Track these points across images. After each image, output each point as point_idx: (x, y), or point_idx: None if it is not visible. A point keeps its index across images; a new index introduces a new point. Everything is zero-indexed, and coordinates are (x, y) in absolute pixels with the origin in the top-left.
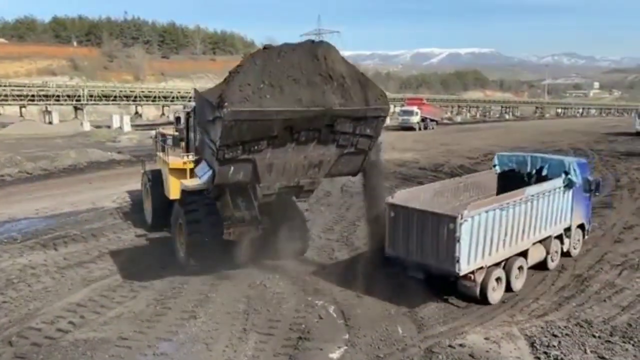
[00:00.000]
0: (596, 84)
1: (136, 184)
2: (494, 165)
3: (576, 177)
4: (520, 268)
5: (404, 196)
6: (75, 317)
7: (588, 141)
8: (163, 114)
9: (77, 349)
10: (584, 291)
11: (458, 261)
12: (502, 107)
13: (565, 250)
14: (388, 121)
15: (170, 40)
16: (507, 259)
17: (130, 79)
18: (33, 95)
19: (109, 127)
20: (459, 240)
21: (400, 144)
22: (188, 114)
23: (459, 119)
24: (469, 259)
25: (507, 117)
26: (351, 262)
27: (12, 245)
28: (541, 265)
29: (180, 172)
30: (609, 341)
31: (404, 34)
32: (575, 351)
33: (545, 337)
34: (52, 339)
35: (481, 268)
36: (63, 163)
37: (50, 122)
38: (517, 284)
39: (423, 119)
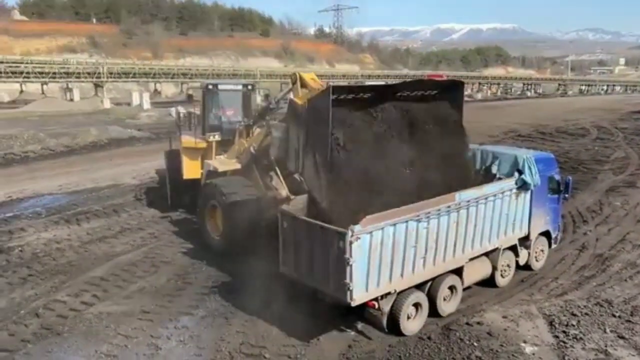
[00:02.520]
0: (622, 60)
1: (156, 161)
2: None
3: (532, 177)
4: (453, 288)
5: (302, 203)
6: (99, 291)
7: (612, 119)
8: (182, 91)
9: (101, 322)
10: (604, 271)
11: (349, 289)
12: (523, 84)
13: (522, 263)
14: None
15: (188, 17)
16: (432, 279)
17: (149, 56)
18: (54, 73)
19: (128, 104)
20: (349, 263)
21: None
22: (203, 92)
23: (479, 96)
24: (367, 284)
25: (528, 94)
26: None
27: (37, 220)
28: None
29: (193, 152)
30: (630, 321)
31: (423, 10)
32: (594, 330)
33: (564, 316)
34: (76, 311)
35: (389, 294)
36: (84, 140)
37: (71, 100)
38: (447, 307)
39: None
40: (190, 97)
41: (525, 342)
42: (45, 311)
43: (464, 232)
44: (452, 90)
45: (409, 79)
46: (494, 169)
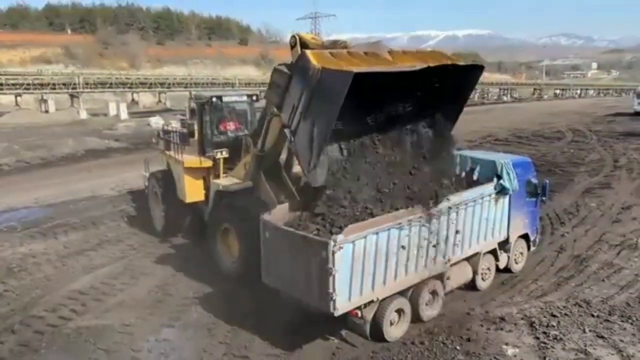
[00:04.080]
0: (594, 65)
1: (135, 172)
2: None
3: (510, 182)
4: (434, 293)
5: (283, 212)
6: (77, 305)
7: (586, 122)
8: (160, 100)
9: (80, 336)
10: (582, 271)
11: (332, 299)
12: (500, 89)
13: (502, 266)
14: None
15: (165, 26)
16: (414, 285)
17: (125, 66)
18: (28, 84)
19: (105, 115)
20: (331, 273)
21: None
22: (202, 105)
23: None
24: (350, 294)
25: (505, 99)
26: None
27: (12, 234)
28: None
29: (196, 172)
30: (608, 320)
31: (400, 17)
32: (574, 331)
33: (545, 317)
34: (54, 327)
35: (372, 302)
36: (61, 151)
37: (46, 111)
38: (429, 312)
39: None
40: (193, 111)
41: (507, 344)
42: (22, 327)
43: (445, 238)
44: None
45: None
46: (474, 175)
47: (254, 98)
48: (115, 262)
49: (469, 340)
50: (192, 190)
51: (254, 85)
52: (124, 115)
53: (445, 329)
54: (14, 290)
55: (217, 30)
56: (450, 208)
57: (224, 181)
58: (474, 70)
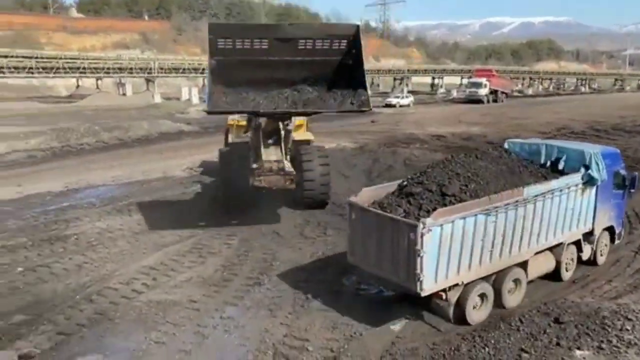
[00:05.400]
0: None
1: (204, 154)
2: None
3: (599, 173)
4: (517, 281)
5: (370, 194)
6: (149, 280)
7: None
8: None
9: (150, 309)
10: None
11: (419, 279)
12: (577, 79)
13: (585, 258)
14: (454, 93)
15: (236, 13)
16: (498, 272)
17: (198, 52)
18: (108, 68)
19: (178, 99)
20: (419, 255)
21: (467, 117)
22: None
23: (530, 91)
24: (437, 276)
25: (582, 89)
26: None
27: (92, 209)
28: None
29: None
30: None
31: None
32: None
33: (618, 320)
34: (127, 299)
35: (456, 285)
36: (136, 133)
37: (124, 94)
38: (512, 299)
39: (492, 91)
40: None
41: (578, 348)
42: (99, 297)
43: (530, 227)
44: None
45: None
46: (560, 164)
47: None
48: (184, 241)
49: (533, 337)
50: None
51: None
52: (195, 99)
53: (511, 325)
54: (93, 262)
55: (286, 17)
56: (536, 196)
57: None
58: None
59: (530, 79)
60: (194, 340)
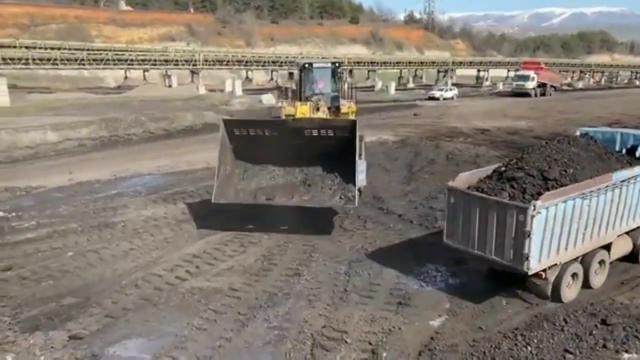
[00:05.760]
0: None
1: None
2: None
3: None
4: (602, 262)
5: (465, 179)
6: (192, 267)
7: None
8: (272, 78)
9: (193, 296)
10: None
11: (527, 259)
12: (631, 72)
13: None
14: (500, 87)
15: (279, 5)
16: (586, 254)
17: (241, 44)
18: (155, 60)
19: (222, 91)
20: (529, 235)
21: (513, 111)
22: (300, 70)
23: (580, 85)
24: (541, 255)
25: (637, 83)
26: None
27: (138, 198)
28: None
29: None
30: None
31: None
32: None
33: None
34: (171, 285)
35: (555, 265)
36: (181, 124)
37: (169, 86)
38: (597, 280)
39: (540, 85)
40: (291, 75)
41: (626, 351)
42: (144, 283)
43: (615, 210)
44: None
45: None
46: (638, 152)
47: (337, 65)
48: (226, 230)
49: (577, 338)
50: None
51: (362, 64)
52: (238, 92)
53: (556, 324)
54: (138, 249)
55: (329, 9)
56: (622, 182)
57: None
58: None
59: (581, 72)
60: (234, 328)
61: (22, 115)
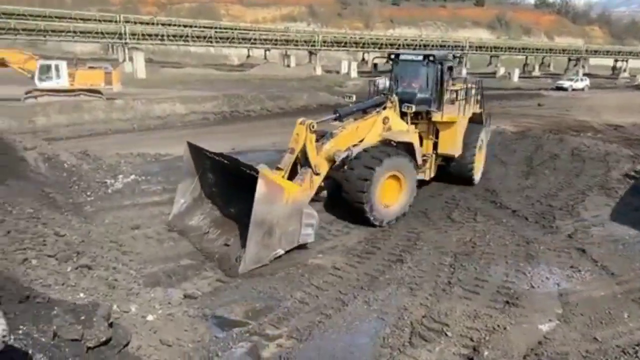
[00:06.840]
0: None
1: None
2: None
3: None
4: None
5: None
6: None
7: None
8: (388, 61)
9: (297, 270)
10: None
11: None
12: None
13: None
14: None
15: None
16: None
17: (360, 26)
18: (276, 40)
19: (337, 72)
20: None
21: None
22: (388, 60)
23: None
24: None
25: None
26: (573, 233)
27: None
28: None
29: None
30: None
31: None
32: None
33: None
34: (277, 259)
35: None
36: (296, 104)
37: (288, 65)
38: None
39: None
40: (375, 66)
41: None
42: None
43: None
44: None
45: None
46: None
47: (431, 58)
48: (330, 210)
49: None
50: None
51: (485, 49)
52: (353, 74)
53: None
54: None
55: None
56: None
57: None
58: None
59: None
60: (335, 306)
61: (156, 87)
